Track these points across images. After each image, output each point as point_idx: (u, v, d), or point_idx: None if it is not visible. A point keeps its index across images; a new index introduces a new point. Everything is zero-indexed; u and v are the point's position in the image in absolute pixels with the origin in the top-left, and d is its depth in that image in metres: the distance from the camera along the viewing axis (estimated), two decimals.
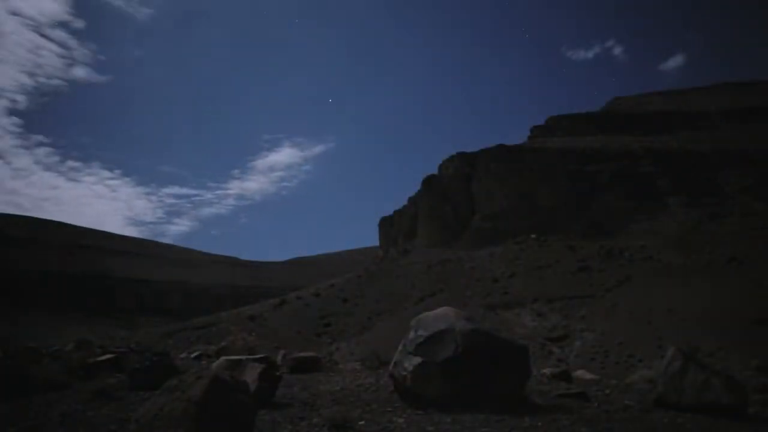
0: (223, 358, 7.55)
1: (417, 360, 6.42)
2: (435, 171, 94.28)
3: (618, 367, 30.86)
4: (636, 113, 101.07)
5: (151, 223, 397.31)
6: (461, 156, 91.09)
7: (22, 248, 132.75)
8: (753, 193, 65.20)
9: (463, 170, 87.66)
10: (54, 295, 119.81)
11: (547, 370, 10.70)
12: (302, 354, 10.91)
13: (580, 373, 11.90)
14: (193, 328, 70.06)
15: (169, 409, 3.64)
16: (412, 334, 6.82)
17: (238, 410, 3.91)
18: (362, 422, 5.49)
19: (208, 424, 3.61)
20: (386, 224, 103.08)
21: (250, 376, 6.44)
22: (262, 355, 7.89)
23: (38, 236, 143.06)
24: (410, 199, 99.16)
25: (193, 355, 17.31)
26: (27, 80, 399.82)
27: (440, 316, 6.97)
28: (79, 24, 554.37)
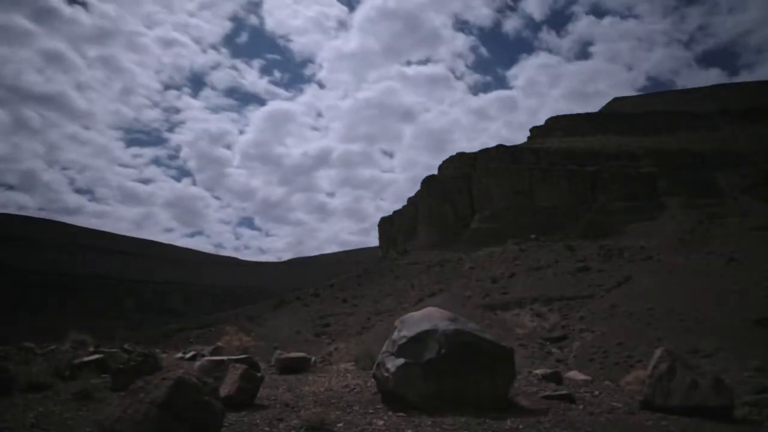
0: (205, 359, 7.49)
1: (399, 361, 6.33)
2: (435, 171, 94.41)
3: (617, 368, 30.71)
4: (636, 113, 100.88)
5: None
6: (461, 156, 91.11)
7: (24, 248, 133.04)
8: (753, 193, 65.04)
9: (463, 170, 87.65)
10: (55, 295, 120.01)
11: (538, 371, 10.60)
12: (292, 354, 10.82)
13: (572, 374, 11.79)
14: (193, 328, 70.13)
15: (132, 412, 3.57)
16: (395, 335, 6.74)
17: (203, 412, 3.84)
18: (340, 424, 5.41)
19: (171, 426, 3.54)
20: (386, 224, 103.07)
21: (231, 377, 6.37)
22: (244, 356, 7.83)
23: (39, 236, 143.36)
24: (410, 200, 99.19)
25: (188, 356, 17.21)
26: None
27: (424, 316, 6.89)
28: None
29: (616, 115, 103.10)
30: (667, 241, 57.76)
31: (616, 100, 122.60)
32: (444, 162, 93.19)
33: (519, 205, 76.90)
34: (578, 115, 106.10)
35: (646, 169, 74.77)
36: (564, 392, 7.45)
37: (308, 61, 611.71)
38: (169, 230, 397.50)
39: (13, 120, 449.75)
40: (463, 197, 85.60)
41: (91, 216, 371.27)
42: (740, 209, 61.85)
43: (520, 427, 5.43)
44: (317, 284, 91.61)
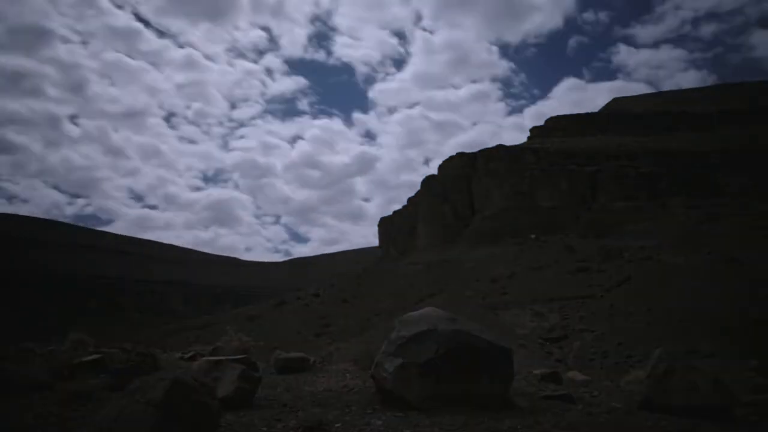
0: (204, 359, 7.48)
1: (398, 361, 6.33)
2: (435, 171, 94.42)
3: (617, 368, 30.59)
4: (636, 113, 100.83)
5: None
6: (461, 156, 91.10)
7: (24, 249, 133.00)
8: (753, 193, 65.01)
9: (463, 170, 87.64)
10: (55, 295, 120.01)
11: (537, 371, 10.60)
12: (290, 354, 10.84)
13: (572, 374, 11.80)
14: (193, 328, 70.22)
15: (129, 412, 3.56)
16: (394, 335, 6.74)
17: (200, 412, 3.83)
18: (338, 425, 5.40)
19: (167, 426, 3.54)
20: (386, 224, 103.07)
21: (230, 377, 6.37)
22: (242, 356, 7.82)
23: (39, 237, 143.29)
24: (410, 200, 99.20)
25: (187, 356, 17.19)
26: None
27: (423, 316, 6.89)
28: None
29: (616, 115, 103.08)
30: (667, 241, 57.69)
31: (616, 100, 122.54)
32: (444, 162, 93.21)
33: (519, 205, 76.85)
34: (578, 115, 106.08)
35: (646, 169, 74.73)
36: (563, 392, 7.46)
37: (363, 89, 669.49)
38: (206, 229, 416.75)
39: (99, 134, 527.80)
40: (463, 197, 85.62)
41: (136, 221, 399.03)
42: (740, 209, 61.79)
43: (519, 427, 5.42)
44: (317, 284, 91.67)
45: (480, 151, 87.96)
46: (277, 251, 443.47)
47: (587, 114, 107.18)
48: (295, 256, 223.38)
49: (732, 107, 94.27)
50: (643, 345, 33.17)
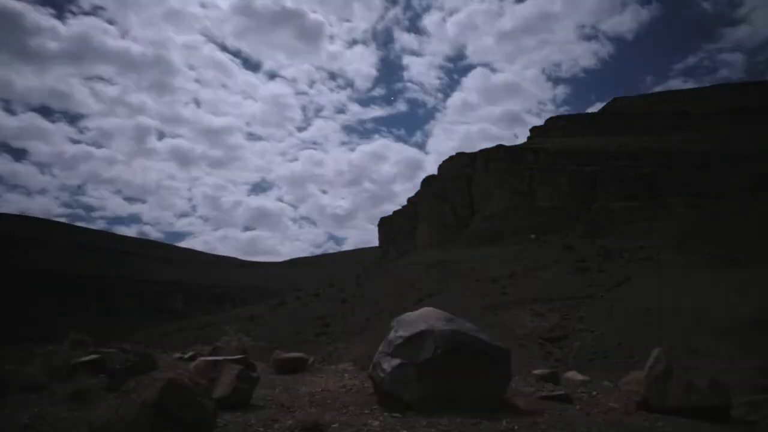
0: (201, 359, 7.47)
1: (395, 361, 6.31)
2: (435, 171, 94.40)
3: (617, 368, 30.61)
4: (636, 113, 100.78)
5: None
6: (461, 156, 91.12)
7: (24, 249, 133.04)
8: (753, 193, 64.99)
9: (463, 170, 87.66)
10: (55, 295, 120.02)
11: (536, 371, 10.59)
12: (289, 354, 10.82)
13: (571, 374, 11.78)
14: (192, 328, 70.21)
15: (123, 412, 3.56)
16: (391, 335, 6.72)
17: (195, 412, 3.83)
18: (335, 425, 5.39)
19: (162, 426, 3.53)
20: (386, 224, 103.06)
21: (227, 377, 6.35)
22: (240, 356, 7.82)
23: (39, 237, 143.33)
24: (410, 200, 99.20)
25: (187, 356, 17.18)
26: None
27: (421, 316, 6.88)
28: None
29: (616, 115, 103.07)
30: (667, 241, 57.72)
31: (616, 100, 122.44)
32: (444, 162, 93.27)
33: (519, 205, 76.89)
34: (578, 115, 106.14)
35: (646, 169, 74.74)
36: (561, 392, 7.44)
37: (420, 113, 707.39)
38: (246, 230, 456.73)
39: (178, 148, 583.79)
40: (463, 197, 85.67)
41: (182, 226, 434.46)
42: (740, 209, 61.80)
43: (516, 427, 5.41)
44: (317, 284, 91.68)
45: (480, 151, 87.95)
46: (312, 254, 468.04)
47: (587, 114, 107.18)
48: (296, 256, 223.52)
49: (732, 107, 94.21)
50: (643, 345, 33.11)
